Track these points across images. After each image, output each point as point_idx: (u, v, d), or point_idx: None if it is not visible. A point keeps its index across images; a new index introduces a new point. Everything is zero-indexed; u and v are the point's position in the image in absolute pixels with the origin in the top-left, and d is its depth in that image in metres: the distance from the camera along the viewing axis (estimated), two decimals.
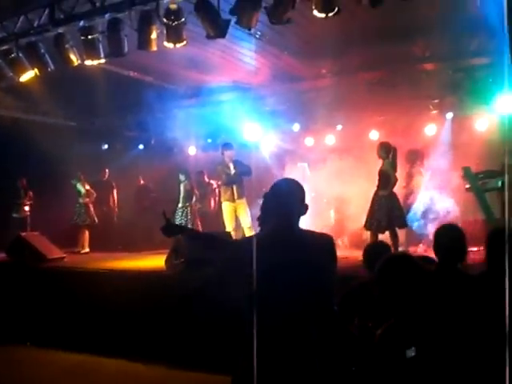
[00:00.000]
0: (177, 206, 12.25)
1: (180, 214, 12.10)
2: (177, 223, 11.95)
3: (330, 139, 13.96)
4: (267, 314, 3.04)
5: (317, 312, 3.13)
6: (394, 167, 9.50)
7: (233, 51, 10.78)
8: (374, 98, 11.69)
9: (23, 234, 11.62)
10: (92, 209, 13.45)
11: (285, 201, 3.28)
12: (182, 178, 12.37)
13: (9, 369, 7.91)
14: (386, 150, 9.52)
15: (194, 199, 12.43)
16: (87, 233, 13.25)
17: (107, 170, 14.55)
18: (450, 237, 4.36)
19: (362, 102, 11.88)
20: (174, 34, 7.80)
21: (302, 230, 3.31)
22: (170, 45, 7.91)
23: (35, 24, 8.89)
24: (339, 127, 13.60)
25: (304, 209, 3.30)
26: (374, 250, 5.12)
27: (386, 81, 11.77)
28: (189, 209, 12.16)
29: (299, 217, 3.29)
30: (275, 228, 3.26)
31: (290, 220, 3.26)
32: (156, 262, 9.98)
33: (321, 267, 3.15)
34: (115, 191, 14.67)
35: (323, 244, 3.26)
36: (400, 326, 3.34)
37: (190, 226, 11.92)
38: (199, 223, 12.49)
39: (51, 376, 7.68)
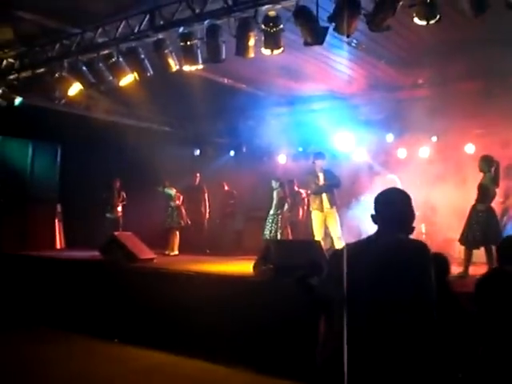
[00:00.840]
0: (268, 212, 12.25)
1: (271, 220, 12.12)
2: (267, 229, 12.01)
3: (424, 151, 13.63)
4: (357, 317, 3.01)
5: (412, 318, 3.01)
6: (495, 181, 9.13)
7: (328, 59, 10.71)
8: (472, 110, 11.31)
9: (117, 233, 11.93)
10: (184, 211, 13.64)
11: (394, 208, 3.27)
12: (275, 185, 12.39)
13: (97, 363, 8.19)
14: (489, 164, 9.15)
15: (285, 207, 12.42)
16: (178, 235, 13.47)
17: (198, 175, 14.74)
18: None
19: (460, 114, 11.52)
20: (272, 41, 7.79)
21: (403, 239, 3.24)
22: (267, 51, 7.91)
23: (136, 29, 9.08)
24: (434, 139, 13.26)
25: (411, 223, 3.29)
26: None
27: (485, 92, 11.37)
28: (280, 216, 12.15)
29: (406, 229, 3.28)
30: (377, 234, 3.25)
31: (395, 227, 3.23)
32: (244, 267, 9.98)
33: (418, 273, 3.06)
34: (206, 196, 14.81)
35: (420, 250, 3.16)
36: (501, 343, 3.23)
37: (279, 233, 11.93)
38: (289, 231, 12.46)
39: (135, 372, 7.84)
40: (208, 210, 14.82)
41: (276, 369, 7.51)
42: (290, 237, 12.22)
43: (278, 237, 11.91)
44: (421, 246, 3.17)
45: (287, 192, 12.70)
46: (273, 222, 12.07)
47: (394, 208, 3.28)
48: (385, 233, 3.24)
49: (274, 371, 7.47)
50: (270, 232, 12.02)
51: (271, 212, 12.20)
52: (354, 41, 9.55)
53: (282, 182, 12.57)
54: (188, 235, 13.80)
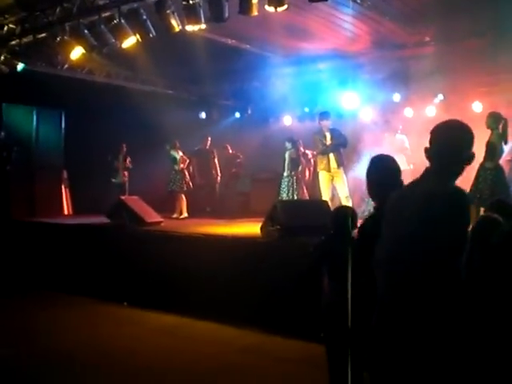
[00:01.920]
0: (282, 174, 12.20)
1: (286, 183, 11.98)
2: (282, 191, 11.93)
3: (431, 110, 13.54)
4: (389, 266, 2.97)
5: (436, 268, 2.86)
6: (503, 138, 9.02)
7: (332, 17, 10.55)
8: (478, 68, 11.16)
9: (123, 197, 11.94)
10: (187, 175, 13.61)
11: (446, 144, 3.03)
12: (288, 145, 12.28)
13: (108, 326, 8.32)
14: (497, 120, 9.03)
15: (300, 168, 12.34)
16: (184, 198, 13.47)
17: (209, 139, 14.66)
18: None
19: (466, 72, 11.37)
20: None
21: (439, 187, 2.97)
22: (271, 8, 7.79)
23: None
24: (440, 97, 13.14)
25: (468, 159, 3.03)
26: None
27: (491, 49, 11.18)
28: (294, 178, 12.04)
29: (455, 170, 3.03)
30: (421, 177, 3.10)
31: (441, 168, 3.02)
32: (251, 228, 9.98)
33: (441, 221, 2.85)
34: (216, 159, 14.76)
35: (453, 201, 2.92)
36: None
37: (296, 195, 11.86)
38: (305, 192, 12.41)
39: (145, 333, 7.97)
40: (219, 174, 14.79)
41: (285, 329, 7.56)
42: (307, 197, 12.17)
43: (295, 198, 11.84)
44: (455, 197, 2.93)
45: (300, 152, 12.61)
46: (288, 183, 11.94)
47: (446, 143, 3.03)
48: (427, 176, 3.05)
49: (283, 331, 7.51)
50: (287, 194, 11.92)
51: (285, 174, 12.05)
52: None
53: (295, 142, 12.45)
54: (199, 198, 13.80)
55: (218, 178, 14.80)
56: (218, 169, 14.79)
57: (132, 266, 9.79)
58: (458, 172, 3.02)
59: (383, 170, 4.00)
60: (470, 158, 3.03)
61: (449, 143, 3.00)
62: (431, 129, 3.07)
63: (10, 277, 10.80)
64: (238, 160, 15.25)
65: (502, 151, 8.99)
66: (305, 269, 5.00)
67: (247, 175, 15.23)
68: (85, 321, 8.60)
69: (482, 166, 8.97)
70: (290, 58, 13.41)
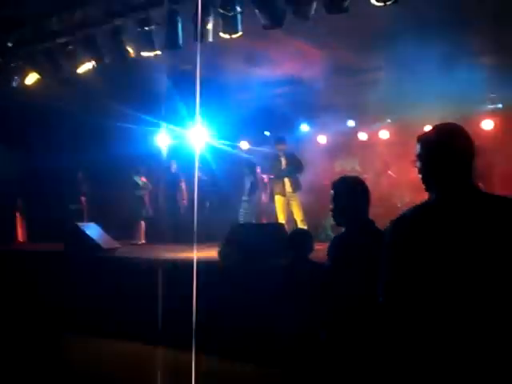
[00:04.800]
0: (241, 198, 12.28)
1: (246, 206, 12.11)
2: (241, 215, 12.02)
3: (384, 134, 13.82)
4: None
5: None
6: None
7: (287, 44, 10.70)
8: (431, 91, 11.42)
9: (79, 224, 11.81)
10: (147, 201, 13.55)
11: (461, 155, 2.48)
12: (246, 171, 12.43)
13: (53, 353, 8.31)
14: None
15: (258, 192, 12.45)
16: (143, 225, 13.39)
17: (174, 162, 14.65)
18: None
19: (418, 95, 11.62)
20: (230, 25, 7.81)
21: (483, 194, 2.45)
22: (225, 35, 7.92)
23: (93, 17, 9.01)
24: (393, 121, 13.42)
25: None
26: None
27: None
28: (253, 202, 12.17)
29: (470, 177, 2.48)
30: (447, 194, 2.45)
31: (467, 180, 2.46)
32: (210, 253, 9.97)
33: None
34: (183, 184, 14.66)
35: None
36: None
37: (253, 218, 11.95)
38: (263, 216, 12.50)
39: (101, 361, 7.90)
40: (185, 198, 14.69)
41: (242, 354, 7.51)
42: (264, 221, 12.28)
43: (253, 221, 11.95)
44: None
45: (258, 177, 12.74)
46: (246, 208, 12.07)
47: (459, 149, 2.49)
48: (456, 190, 2.44)
49: (239, 357, 7.48)
50: (245, 218, 12.03)
51: (244, 198, 12.21)
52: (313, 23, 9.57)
53: (253, 167, 12.58)
54: (159, 224, 13.72)
55: (184, 202, 14.67)
56: (185, 193, 14.67)
57: (88, 293, 9.65)
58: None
59: (352, 193, 3.73)
60: None
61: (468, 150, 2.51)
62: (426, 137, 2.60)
63: None
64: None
65: None
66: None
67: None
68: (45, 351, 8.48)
69: None
70: (246, 84, 13.52)
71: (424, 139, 2.56)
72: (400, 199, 12.08)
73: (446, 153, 2.46)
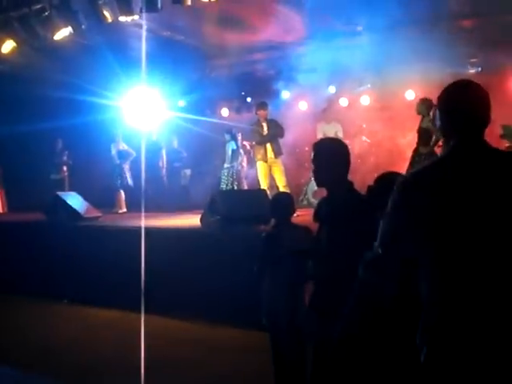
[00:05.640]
0: (222, 166, 12.20)
1: (226, 174, 12.07)
2: (223, 183, 11.97)
3: (365, 99, 13.80)
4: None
5: None
6: (435, 125, 9.24)
7: (267, 7, 10.56)
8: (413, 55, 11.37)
9: (60, 193, 11.71)
10: (127, 169, 13.45)
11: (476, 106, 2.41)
12: (227, 137, 12.34)
13: (45, 323, 8.28)
14: (427, 107, 9.27)
15: (239, 159, 12.37)
16: (123, 193, 13.32)
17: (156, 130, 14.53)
18: None
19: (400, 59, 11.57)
20: None
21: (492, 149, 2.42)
22: None
23: None
24: (375, 86, 13.36)
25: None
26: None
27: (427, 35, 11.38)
28: (234, 169, 12.11)
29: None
30: (461, 148, 2.39)
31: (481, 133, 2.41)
32: (192, 220, 9.96)
33: None
34: (164, 152, 14.58)
35: None
36: None
37: (235, 185, 11.90)
38: (244, 182, 12.45)
39: (83, 329, 8.00)
40: (165, 166, 14.63)
41: (225, 319, 7.59)
42: (246, 188, 12.22)
43: (235, 188, 11.91)
44: None
45: (239, 144, 12.64)
46: (228, 175, 12.03)
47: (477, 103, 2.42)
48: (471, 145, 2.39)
49: (223, 321, 7.56)
50: (226, 185, 11.99)
51: (225, 165, 12.15)
52: None
53: (234, 134, 12.49)
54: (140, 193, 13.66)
55: (164, 171, 14.56)
56: (165, 161, 14.57)
57: (70, 263, 9.62)
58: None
59: (334, 154, 3.70)
60: None
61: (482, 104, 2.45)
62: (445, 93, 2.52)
63: None
64: (185, 154, 15.03)
65: (437, 138, 9.14)
66: (258, 260, 4.94)
67: (187, 168, 15.13)
68: (21, 320, 8.47)
69: (415, 151, 9.20)
70: (225, 49, 13.36)
71: (441, 94, 2.51)
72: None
73: (457, 106, 2.42)
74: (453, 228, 2.26)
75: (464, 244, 2.25)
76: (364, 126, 13.59)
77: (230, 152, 12.23)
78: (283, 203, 4.98)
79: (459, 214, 2.26)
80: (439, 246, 2.29)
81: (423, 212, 2.31)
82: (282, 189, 10.58)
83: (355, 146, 12.29)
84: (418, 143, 9.21)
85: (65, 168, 14.07)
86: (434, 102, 8.65)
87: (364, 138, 13.25)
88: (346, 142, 4.95)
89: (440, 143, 10.29)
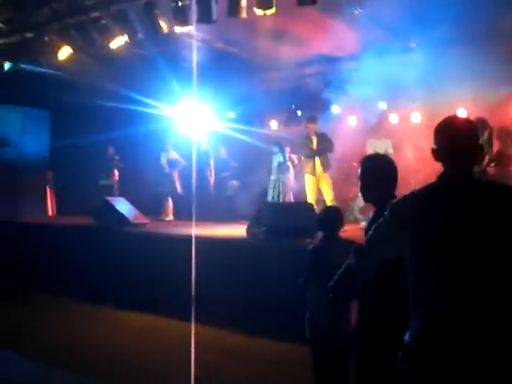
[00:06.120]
0: (269, 178, 12.21)
1: (272, 185, 12.01)
2: (269, 194, 11.94)
3: (416, 116, 13.66)
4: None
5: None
6: (490, 145, 9.09)
7: (321, 21, 10.57)
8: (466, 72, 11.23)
9: (109, 198, 11.90)
10: (176, 178, 13.57)
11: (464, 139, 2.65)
12: (275, 149, 12.29)
13: (96, 327, 8.37)
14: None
15: (287, 172, 12.32)
16: (171, 202, 13.45)
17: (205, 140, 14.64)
18: None
19: (453, 77, 11.44)
20: (265, 1, 7.72)
21: (481, 181, 2.66)
22: (259, 11, 7.84)
23: None
24: (426, 103, 13.21)
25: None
26: None
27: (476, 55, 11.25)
28: (281, 181, 12.04)
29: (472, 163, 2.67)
30: (448, 177, 2.65)
31: (468, 164, 2.65)
32: (237, 231, 10.00)
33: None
34: (212, 162, 14.63)
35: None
36: None
37: (281, 197, 11.85)
38: (291, 196, 12.41)
39: (126, 335, 8.06)
40: (213, 175, 14.70)
41: (268, 331, 7.56)
42: (292, 200, 12.18)
43: (281, 201, 11.86)
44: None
45: (287, 157, 12.61)
46: (274, 187, 11.96)
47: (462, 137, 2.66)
48: (458, 172, 2.63)
49: (266, 333, 7.52)
50: (273, 197, 11.94)
51: (272, 177, 12.10)
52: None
53: (282, 147, 12.45)
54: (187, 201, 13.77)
55: (212, 181, 14.67)
56: (213, 172, 14.69)
57: (116, 268, 9.75)
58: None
59: (382, 171, 3.66)
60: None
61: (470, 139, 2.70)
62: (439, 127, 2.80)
63: None
64: (234, 164, 15.08)
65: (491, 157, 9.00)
66: (304, 272, 4.92)
67: (233, 179, 15.18)
68: (66, 322, 8.61)
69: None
70: (277, 63, 13.41)
71: (436, 128, 2.80)
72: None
73: (445, 140, 2.70)
74: (428, 251, 2.51)
75: (438, 265, 2.48)
76: (413, 143, 13.43)
77: (275, 164, 12.19)
78: (332, 217, 4.96)
79: (433, 237, 2.50)
80: (417, 264, 2.56)
81: (405, 233, 2.59)
82: (329, 203, 10.54)
83: (403, 162, 12.12)
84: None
85: (116, 172, 14.27)
86: (488, 121, 8.63)
87: (410, 154, 13.08)
88: (393, 157, 4.88)
89: (493, 164, 10.21)
